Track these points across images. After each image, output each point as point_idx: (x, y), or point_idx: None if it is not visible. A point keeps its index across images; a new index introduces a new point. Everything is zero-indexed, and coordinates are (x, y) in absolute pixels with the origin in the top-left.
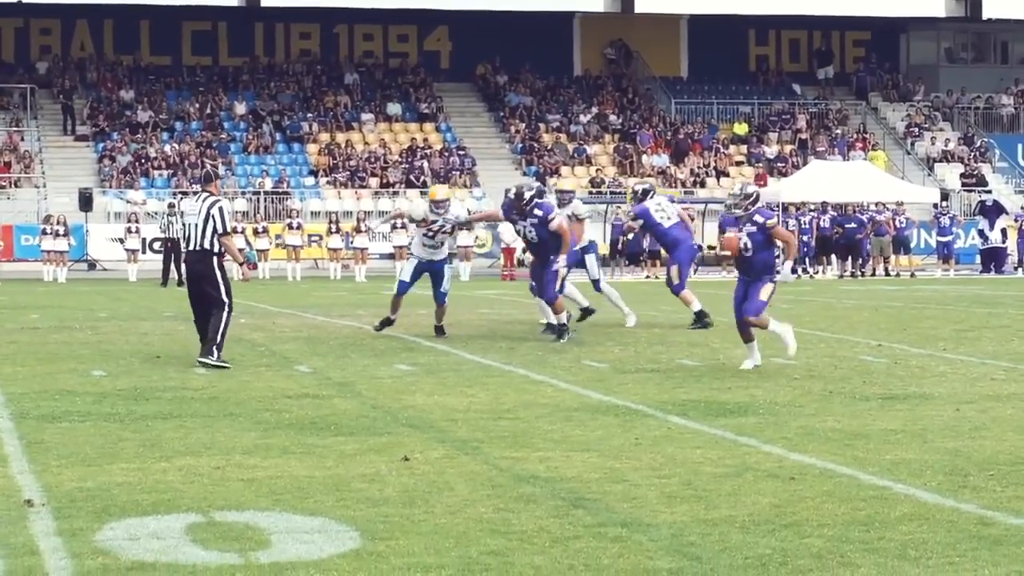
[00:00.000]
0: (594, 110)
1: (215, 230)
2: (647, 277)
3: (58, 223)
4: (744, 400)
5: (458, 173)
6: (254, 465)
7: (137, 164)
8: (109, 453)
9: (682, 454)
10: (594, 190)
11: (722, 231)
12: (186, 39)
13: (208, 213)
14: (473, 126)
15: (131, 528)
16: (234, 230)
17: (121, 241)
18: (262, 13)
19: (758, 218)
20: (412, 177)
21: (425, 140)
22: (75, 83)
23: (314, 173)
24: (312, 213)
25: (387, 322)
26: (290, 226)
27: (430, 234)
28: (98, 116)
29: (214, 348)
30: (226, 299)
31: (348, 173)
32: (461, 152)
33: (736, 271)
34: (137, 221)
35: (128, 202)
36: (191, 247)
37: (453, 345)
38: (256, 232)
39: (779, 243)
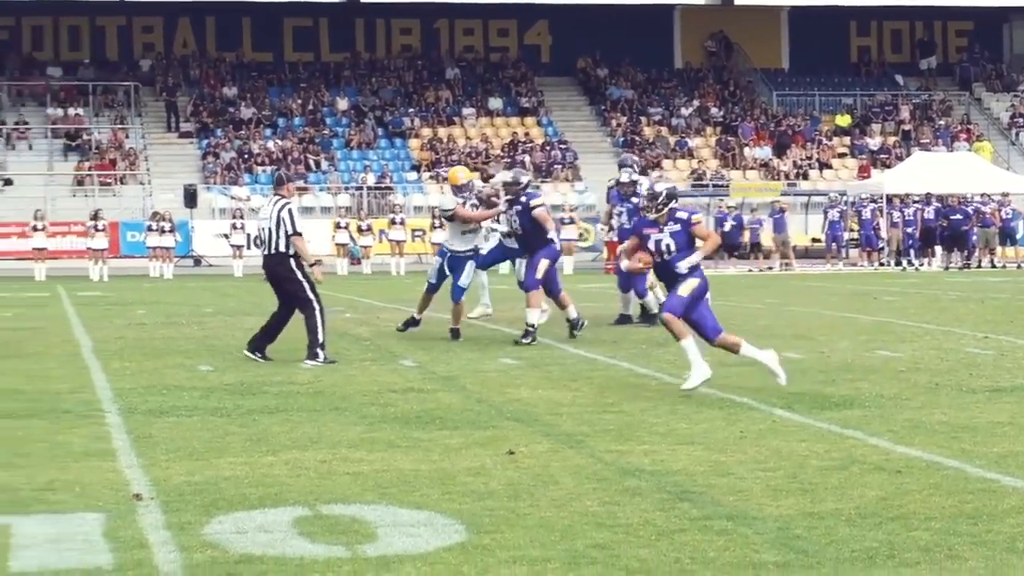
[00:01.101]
0: (695, 103)
1: (287, 233)
2: (750, 271)
3: (163, 219)
4: (849, 393)
5: (560, 167)
6: (360, 459)
7: (240, 160)
8: (216, 447)
9: (787, 447)
10: (696, 183)
11: (640, 236)
12: (288, 35)
13: (279, 216)
14: (574, 120)
15: (239, 521)
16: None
17: (226, 237)
18: (363, 9)
19: (681, 215)
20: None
21: (526, 134)
22: (178, 80)
23: (416, 168)
24: (415, 208)
25: (454, 333)
26: (393, 221)
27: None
28: (201, 113)
29: (317, 350)
30: (312, 296)
31: (447, 167)
32: (563, 146)
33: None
34: (242, 217)
35: (232, 198)
36: (267, 251)
37: (557, 339)
38: (360, 228)
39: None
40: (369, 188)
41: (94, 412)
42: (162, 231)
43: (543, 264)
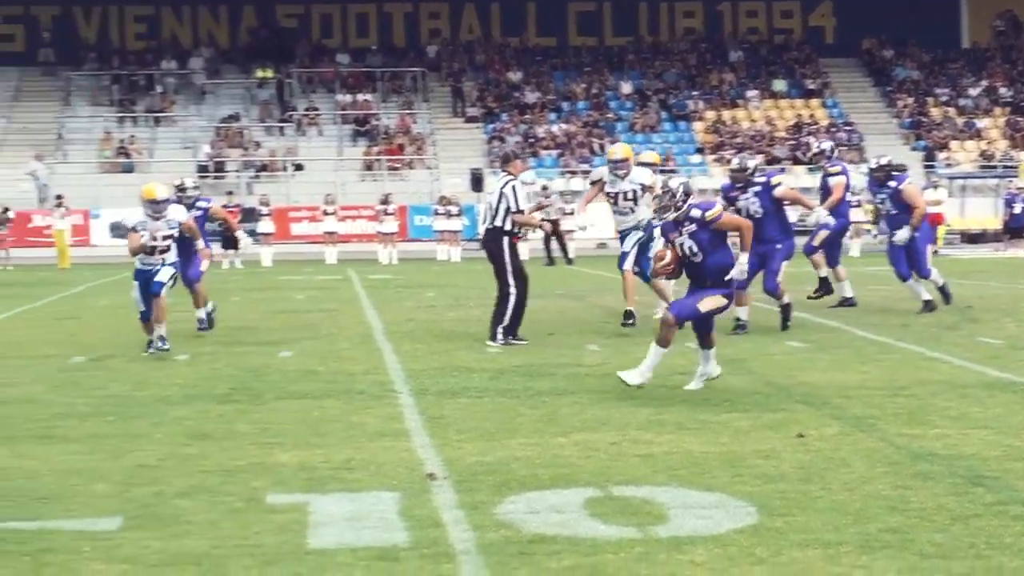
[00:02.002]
0: (983, 83)
1: (507, 209)
2: None
3: (451, 203)
4: None
5: (845, 149)
6: (649, 440)
7: (526, 144)
8: (507, 428)
9: None
10: (984, 164)
11: (668, 242)
12: (571, 20)
13: (500, 192)
14: (859, 101)
15: (531, 502)
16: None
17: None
18: None
19: (695, 212)
20: (799, 154)
21: (811, 116)
22: (464, 65)
23: (700, 151)
24: (699, 190)
25: (628, 316)
26: None
27: (611, 198)
28: (487, 97)
29: (498, 331)
30: (512, 280)
31: (734, 150)
32: (848, 128)
33: (688, 279)
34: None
35: (523, 183)
36: (487, 226)
37: (845, 322)
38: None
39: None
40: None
41: (387, 393)
42: (449, 215)
43: (783, 267)
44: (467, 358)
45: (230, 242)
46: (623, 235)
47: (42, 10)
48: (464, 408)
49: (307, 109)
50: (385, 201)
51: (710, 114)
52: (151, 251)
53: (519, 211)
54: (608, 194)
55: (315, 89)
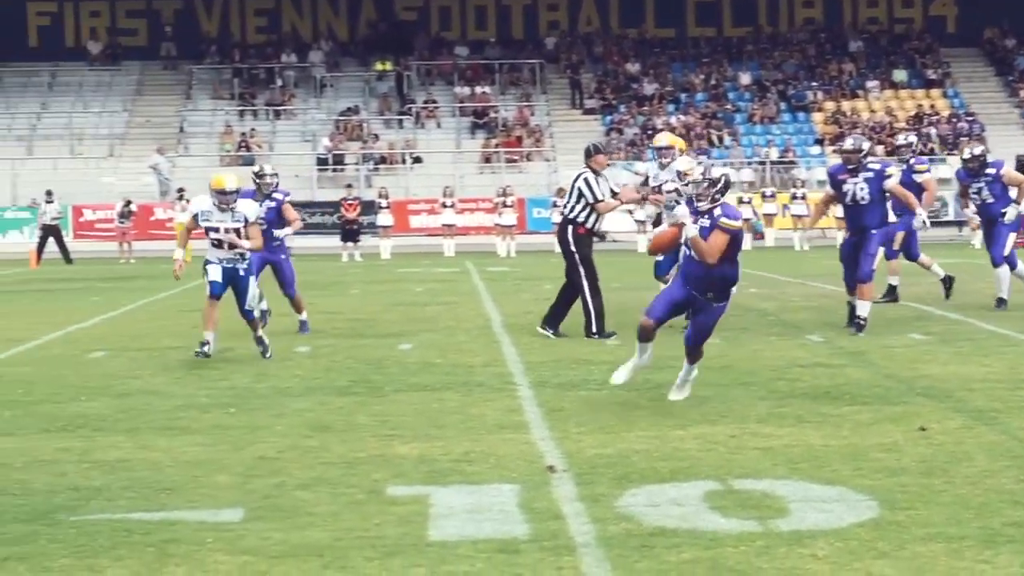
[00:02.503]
0: None
1: (580, 199)
2: None
3: None
4: None
5: (966, 139)
6: (769, 434)
7: (644, 136)
8: (626, 421)
9: None
10: None
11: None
12: (690, 11)
13: (574, 185)
14: (981, 91)
15: (651, 495)
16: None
17: (630, 212)
18: None
19: (718, 212)
20: (920, 144)
21: (932, 107)
22: (582, 57)
23: (819, 142)
24: (818, 182)
25: None
26: (794, 196)
27: (655, 192)
28: (605, 89)
29: (592, 326)
30: (582, 270)
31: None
32: (969, 118)
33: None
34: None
35: (636, 174)
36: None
37: (967, 314)
38: (763, 195)
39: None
40: (772, 163)
41: (506, 385)
42: None
43: (879, 255)
44: (585, 350)
45: (350, 235)
46: None
47: (164, 4)
48: (583, 400)
49: (426, 102)
50: (503, 193)
51: (829, 105)
52: (219, 244)
53: (598, 201)
54: (653, 188)
55: (433, 82)
